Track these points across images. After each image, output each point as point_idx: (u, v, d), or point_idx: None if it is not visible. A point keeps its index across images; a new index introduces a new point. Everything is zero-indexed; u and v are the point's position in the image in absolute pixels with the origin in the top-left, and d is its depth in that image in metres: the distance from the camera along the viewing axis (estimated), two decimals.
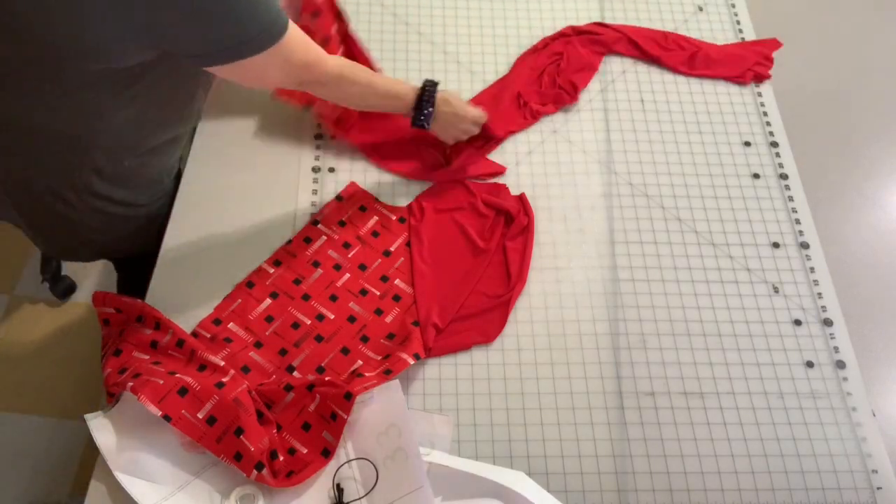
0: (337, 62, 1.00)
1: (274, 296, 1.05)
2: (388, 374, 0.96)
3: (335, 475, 0.89)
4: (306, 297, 1.06)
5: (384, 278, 1.09)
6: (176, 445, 0.87)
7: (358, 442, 0.92)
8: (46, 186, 1.01)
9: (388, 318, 1.05)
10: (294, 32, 0.89)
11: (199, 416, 0.87)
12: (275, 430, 0.91)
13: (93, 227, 1.10)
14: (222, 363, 0.94)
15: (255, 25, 0.83)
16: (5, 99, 0.89)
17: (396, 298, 1.07)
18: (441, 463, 0.92)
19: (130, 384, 0.88)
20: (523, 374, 1.05)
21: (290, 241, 1.11)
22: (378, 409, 0.92)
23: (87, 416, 0.89)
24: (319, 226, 1.12)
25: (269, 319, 1.03)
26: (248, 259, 1.09)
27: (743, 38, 1.43)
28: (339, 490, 0.88)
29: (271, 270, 1.08)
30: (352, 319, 1.04)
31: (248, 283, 1.06)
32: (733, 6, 1.48)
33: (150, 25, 0.79)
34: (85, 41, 0.80)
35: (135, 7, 0.76)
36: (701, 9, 1.48)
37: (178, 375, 0.90)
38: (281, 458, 0.89)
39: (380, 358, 1.01)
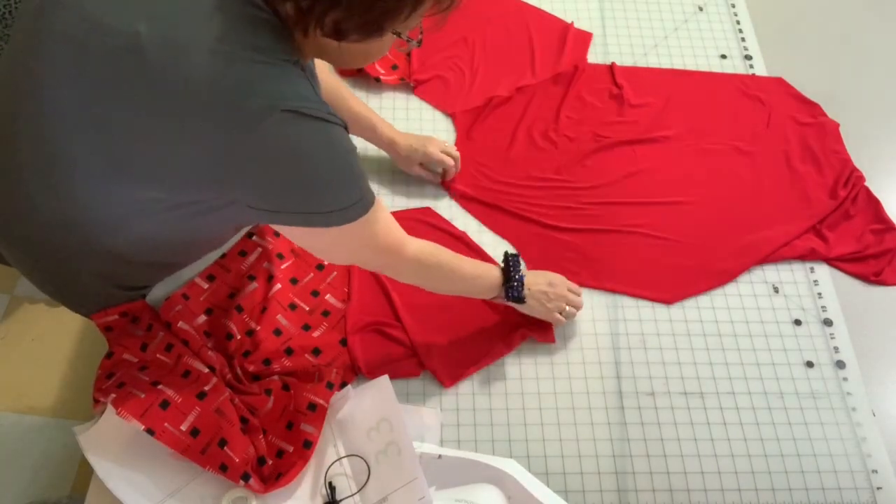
0: (416, 248, 0.92)
1: (209, 312, 1.03)
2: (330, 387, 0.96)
3: (326, 473, 0.89)
4: (239, 309, 1.03)
5: (315, 293, 1.07)
6: (167, 453, 0.87)
7: (348, 439, 0.92)
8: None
9: (316, 334, 1.04)
10: (376, 215, 0.83)
11: (183, 428, 0.87)
12: (261, 436, 0.91)
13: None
14: (206, 370, 0.93)
15: (334, 202, 0.78)
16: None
17: (325, 314, 1.06)
18: (432, 453, 0.92)
19: (113, 396, 0.87)
20: (523, 374, 1.05)
21: (224, 256, 1.07)
22: (368, 404, 0.92)
23: (77, 429, 0.89)
24: (254, 238, 1.09)
25: (207, 335, 1.01)
26: None
27: (743, 39, 1.43)
28: (332, 488, 0.89)
29: (205, 286, 1.04)
30: (277, 333, 1.02)
31: (184, 296, 1.03)
32: (733, 6, 1.48)
33: (229, 165, 0.74)
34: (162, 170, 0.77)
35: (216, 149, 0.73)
36: (701, 9, 1.48)
37: (160, 387, 0.89)
38: (270, 463, 0.89)
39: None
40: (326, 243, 0.85)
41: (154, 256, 0.94)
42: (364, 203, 0.81)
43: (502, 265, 1.02)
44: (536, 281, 1.03)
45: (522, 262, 1.02)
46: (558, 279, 1.06)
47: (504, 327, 1.08)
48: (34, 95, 0.77)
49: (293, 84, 0.73)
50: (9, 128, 0.82)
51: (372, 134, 1.16)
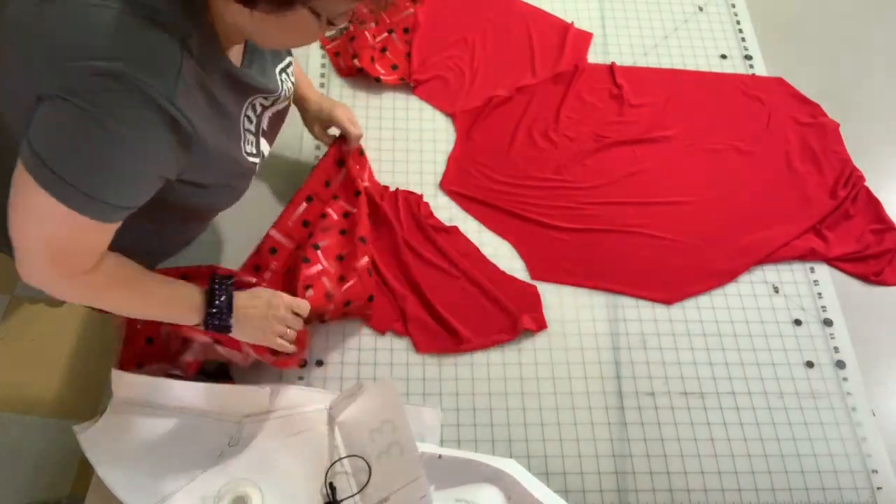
0: (101, 268, 0.79)
1: (309, 199, 1.10)
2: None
3: (327, 473, 0.89)
4: (335, 198, 1.12)
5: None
6: (165, 454, 0.88)
7: (350, 439, 0.92)
8: None
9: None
10: (93, 233, 0.74)
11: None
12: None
13: None
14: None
15: (82, 181, 0.69)
16: None
17: None
18: (432, 453, 0.92)
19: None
20: (523, 374, 1.05)
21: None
22: (371, 405, 0.92)
23: (77, 429, 0.89)
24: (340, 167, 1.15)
25: (306, 224, 1.09)
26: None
27: (743, 39, 1.43)
28: (332, 488, 0.88)
29: (303, 205, 1.10)
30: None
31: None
32: (733, 6, 1.48)
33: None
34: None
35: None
36: (701, 9, 1.47)
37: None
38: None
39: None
40: (34, 210, 0.72)
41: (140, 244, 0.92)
42: (100, 209, 0.71)
43: (209, 284, 0.90)
44: (253, 304, 0.92)
45: (230, 287, 0.90)
46: (278, 299, 0.94)
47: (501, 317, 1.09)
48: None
49: (153, 56, 0.68)
50: None
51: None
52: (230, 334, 0.91)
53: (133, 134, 0.69)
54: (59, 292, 0.81)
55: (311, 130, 1.15)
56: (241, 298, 0.91)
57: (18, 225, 0.75)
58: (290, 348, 0.96)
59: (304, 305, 0.97)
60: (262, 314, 0.92)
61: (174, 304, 0.87)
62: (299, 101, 1.13)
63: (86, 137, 0.68)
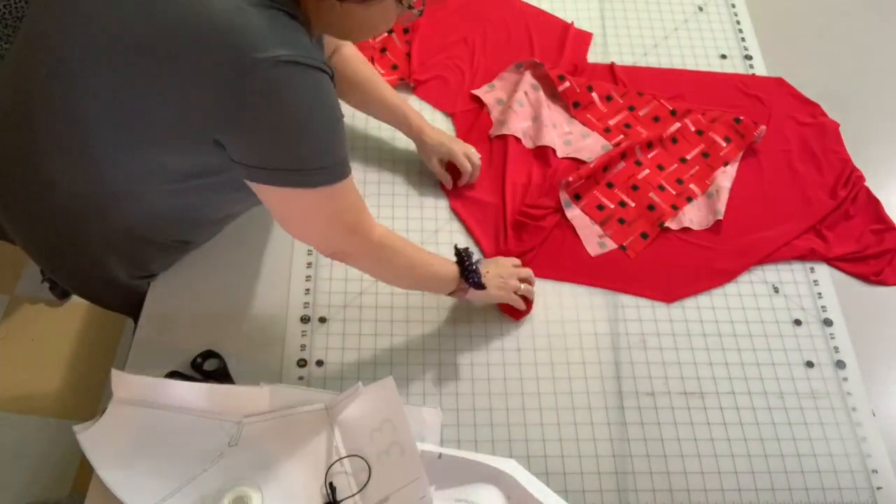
0: (382, 232, 0.92)
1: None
2: None
3: (327, 473, 0.89)
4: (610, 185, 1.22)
5: (679, 181, 1.24)
6: (165, 454, 0.88)
7: (350, 439, 0.92)
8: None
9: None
10: (350, 187, 0.84)
11: None
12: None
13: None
14: None
15: (317, 159, 0.79)
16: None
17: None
18: (433, 453, 0.92)
19: None
20: (523, 374, 1.05)
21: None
22: (371, 405, 0.92)
23: (77, 429, 0.89)
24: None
25: (578, 197, 1.21)
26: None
27: (743, 39, 1.43)
28: (332, 488, 0.88)
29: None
30: (651, 208, 1.20)
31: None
32: (733, 6, 1.48)
33: (221, 119, 0.76)
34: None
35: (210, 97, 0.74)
36: (701, 9, 1.48)
37: None
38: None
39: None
40: (300, 210, 0.84)
41: (169, 233, 0.96)
42: (343, 167, 0.81)
43: (455, 259, 1.02)
44: (487, 268, 1.04)
45: (473, 253, 1.03)
46: (502, 260, 1.07)
47: None
48: (56, 68, 0.78)
49: (289, 31, 0.75)
50: (21, 109, 0.83)
51: (404, 122, 1.17)
52: (482, 295, 1.02)
53: (324, 99, 0.77)
54: (360, 259, 0.93)
55: (429, 162, 1.19)
56: (482, 265, 1.03)
57: (312, 230, 0.88)
58: (522, 300, 1.06)
59: (526, 271, 1.08)
60: (496, 273, 1.04)
61: (439, 271, 1.00)
62: (417, 133, 1.17)
63: (301, 123, 0.75)
